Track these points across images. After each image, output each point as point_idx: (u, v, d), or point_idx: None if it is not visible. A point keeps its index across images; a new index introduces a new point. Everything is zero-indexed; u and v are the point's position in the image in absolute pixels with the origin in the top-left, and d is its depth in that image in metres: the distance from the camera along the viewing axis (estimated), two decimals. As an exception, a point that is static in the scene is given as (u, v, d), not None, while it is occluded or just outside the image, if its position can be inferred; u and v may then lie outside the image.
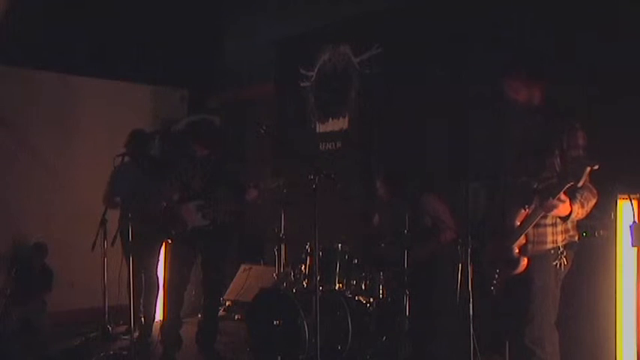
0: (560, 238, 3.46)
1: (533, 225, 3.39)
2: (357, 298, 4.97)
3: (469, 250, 3.84)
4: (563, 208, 3.26)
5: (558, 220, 3.43)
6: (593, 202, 3.39)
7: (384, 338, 4.77)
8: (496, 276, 3.55)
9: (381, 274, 4.90)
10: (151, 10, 7.20)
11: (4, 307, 6.08)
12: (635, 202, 3.84)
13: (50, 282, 6.45)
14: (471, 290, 3.88)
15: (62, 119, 7.23)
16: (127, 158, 5.71)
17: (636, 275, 3.87)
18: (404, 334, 4.61)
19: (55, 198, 7.02)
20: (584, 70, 4.45)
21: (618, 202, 3.87)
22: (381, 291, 4.89)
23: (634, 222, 3.79)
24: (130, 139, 5.93)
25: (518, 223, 3.39)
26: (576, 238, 3.54)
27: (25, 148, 6.93)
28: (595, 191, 3.38)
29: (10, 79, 6.81)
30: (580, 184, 3.16)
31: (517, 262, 3.41)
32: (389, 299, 4.88)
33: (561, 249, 3.44)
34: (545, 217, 3.40)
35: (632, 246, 3.81)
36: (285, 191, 5.65)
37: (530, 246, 3.44)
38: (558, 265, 3.44)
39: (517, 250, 3.41)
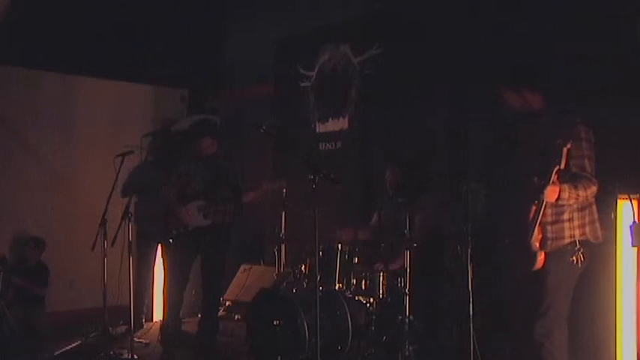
0: (577, 232, 3.53)
1: (551, 222, 3.49)
2: (357, 298, 4.97)
3: (469, 250, 3.87)
4: (551, 192, 3.36)
5: (575, 214, 3.51)
6: (592, 188, 3.48)
7: (384, 338, 4.76)
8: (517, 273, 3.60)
9: (381, 274, 4.90)
10: (151, 10, 7.20)
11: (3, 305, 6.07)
12: (635, 202, 3.85)
13: (46, 278, 6.42)
14: (471, 290, 3.90)
15: (62, 119, 7.23)
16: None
17: (636, 275, 3.87)
18: (404, 334, 4.61)
19: (54, 197, 7.02)
20: (584, 70, 4.46)
21: (618, 202, 3.87)
22: (381, 291, 4.89)
23: (634, 222, 3.79)
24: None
25: (530, 218, 3.46)
26: (598, 234, 3.60)
27: (25, 148, 6.93)
28: (594, 180, 3.48)
29: (10, 79, 6.82)
30: (562, 165, 3.31)
31: (535, 257, 3.45)
32: (389, 299, 4.87)
33: (578, 245, 3.50)
34: (562, 212, 3.49)
35: (632, 246, 3.82)
36: (285, 191, 5.65)
37: (549, 242, 3.52)
38: (575, 261, 3.48)
39: (537, 245, 3.46)
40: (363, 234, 5.35)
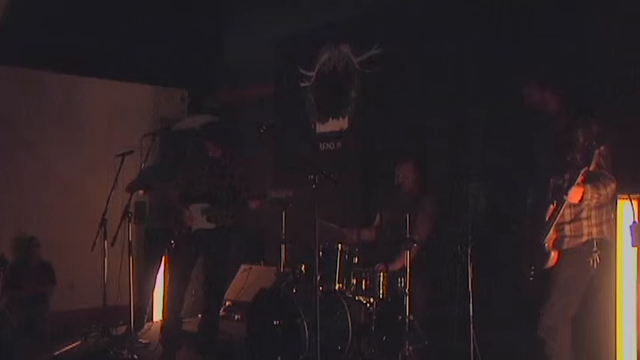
0: (595, 230, 3.58)
1: (569, 221, 3.54)
2: (357, 298, 4.97)
3: (469, 250, 3.87)
4: (576, 193, 3.40)
5: (593, 213, 3.56)
6: (612, 186, 3.52)
7: (384, 338, 4.76)
8: (532, 272, 3.61)
9: (381, 274, 4.90)
10: (151, 10, 7.20)
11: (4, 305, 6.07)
12: (635, 202, 3.85)
13: (53, 275, 6.44)
14: (471, 290, 3.90)
15: (62, 119, 7.23)
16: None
17: (636, 275, 3.87)
18: (404, 334, 4.61)
19: (55, 198, 7.02)
20: (584, 71, 4.45)
21: (618, 202, 3.88)
22: (381, 291, 4.89)
23: (634, 222, 3.79)
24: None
25: (547, 218, 3.49)
26: (613, 232, 3.65)
27: (25, 148, 6.93)
28: (612, 176, 3.52)
29: (10, 79, 6.82)
30: (592, 167, 3.33)
31: (547, 256, 3.49)
32: (389, 299, 4.87)
33: (596, 247, 3.55)
34: (580, 211, 3.53)
35: (632, 246, 3.82)
36: (289, 199, 5.64)
37: (567, 240, 3.56)
38: (591, 262, 3.50)
39: (550, 245, 3.49)
40: (367, 235, 5.34)
